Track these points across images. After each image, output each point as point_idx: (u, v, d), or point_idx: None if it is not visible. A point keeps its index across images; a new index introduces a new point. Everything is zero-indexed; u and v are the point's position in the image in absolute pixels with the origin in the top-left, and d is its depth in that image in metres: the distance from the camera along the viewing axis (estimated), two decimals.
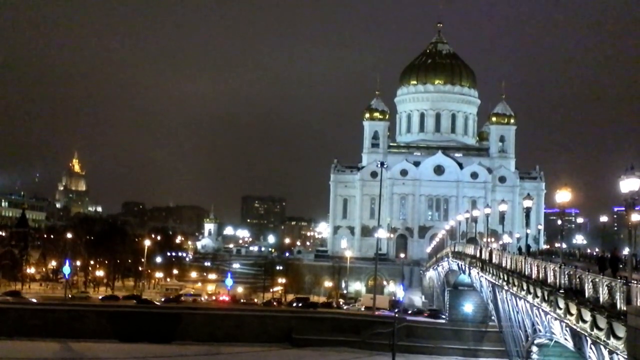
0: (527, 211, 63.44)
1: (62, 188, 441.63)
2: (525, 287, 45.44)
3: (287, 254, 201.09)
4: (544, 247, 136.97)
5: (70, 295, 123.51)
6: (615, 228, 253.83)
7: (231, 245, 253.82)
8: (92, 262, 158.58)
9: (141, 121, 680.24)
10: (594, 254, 66.78)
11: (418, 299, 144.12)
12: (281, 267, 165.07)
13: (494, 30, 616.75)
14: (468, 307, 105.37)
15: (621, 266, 38.32)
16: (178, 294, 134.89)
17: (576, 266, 38.58)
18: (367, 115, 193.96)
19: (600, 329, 29.94)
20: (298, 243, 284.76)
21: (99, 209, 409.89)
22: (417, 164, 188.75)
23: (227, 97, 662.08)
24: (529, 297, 44.12)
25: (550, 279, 39.40)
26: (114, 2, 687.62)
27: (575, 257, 67.59)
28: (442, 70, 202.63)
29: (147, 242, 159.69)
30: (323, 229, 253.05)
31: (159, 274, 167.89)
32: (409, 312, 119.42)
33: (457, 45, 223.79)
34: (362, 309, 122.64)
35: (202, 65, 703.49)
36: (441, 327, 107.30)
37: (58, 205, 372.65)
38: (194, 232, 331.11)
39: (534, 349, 49.46)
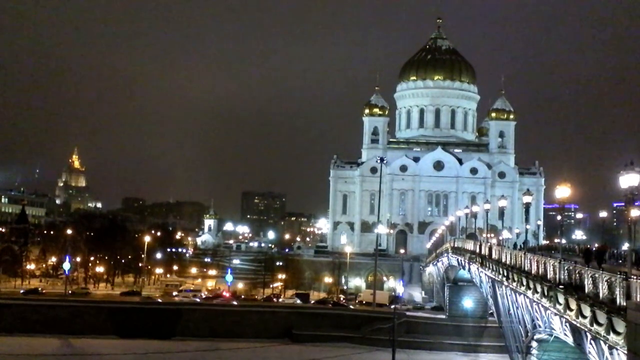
0: (527, 207, 63.71)
1: (62, 184, 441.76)
2: (525, 283, 45.46)
3: (287, 250, 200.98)
4: (544, 242, 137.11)
5: (70, 292, 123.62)
6: (615, 223, 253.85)
7: (231, 241, 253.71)
8: (92, 258, 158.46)
9: (141, 117, 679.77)
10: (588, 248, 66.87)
11: (418, 295, 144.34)
12: (281, 263, 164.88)
13: (494, 26, 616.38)
14: (468, 302, 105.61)
15: (618, 261, 38.38)
16: (178, 290, 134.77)
17: (576, 262, 38.58)
18: (367, 111, 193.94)
19: (600, 325, 29.96)
20: (298, 239, 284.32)
21: (99, 205, 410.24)
22: (416, 159, 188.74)
23: (227, 93, 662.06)
24: (529, 293, 44.13)
25: (550, 275, 39.40)
26: (115, 0, 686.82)
27: (575, 253, 67.61)
28: (442, 66, 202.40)
29: (147, 238, 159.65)
30: (323, 225, 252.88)
31: (159, 270, 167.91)
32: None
33: (456, 41, 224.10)
34: None
35: (201, 61, 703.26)
36: (441, 323, 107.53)
37: (58, 202, 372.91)
38: (194, 228, 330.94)
39: (534, 344, 49.50)
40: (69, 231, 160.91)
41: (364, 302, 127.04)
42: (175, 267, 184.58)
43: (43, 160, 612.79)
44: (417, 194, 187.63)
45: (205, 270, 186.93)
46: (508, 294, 55.01)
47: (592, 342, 31.91)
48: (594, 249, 44.02)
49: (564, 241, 76.98)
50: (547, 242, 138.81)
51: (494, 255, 61.27)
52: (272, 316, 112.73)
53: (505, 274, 53.63)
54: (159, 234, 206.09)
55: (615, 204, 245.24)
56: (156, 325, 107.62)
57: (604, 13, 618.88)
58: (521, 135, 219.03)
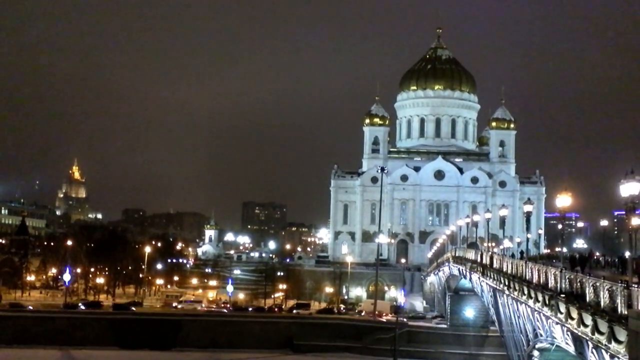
0: (528, 216, 63.34)
1: (62, 195, 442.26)
2: (526, 292, 45.36)
3: (287, 260, 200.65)
4: (545, 251, 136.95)
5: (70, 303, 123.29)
6: (616, 232, 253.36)
7: (232, 252, 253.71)
8: (92, 270, 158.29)
9: (141, 128, 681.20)
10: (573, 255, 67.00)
11: (419, 304, 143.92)
12: (282, 273, 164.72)
13: (494, 35, 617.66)
14: (469, 312, 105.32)
15: (619, 269, 38.35)
16: (179, 300, 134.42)
17: (577, 270, 38.57)
18: (367, 120, 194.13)
19: (601, 333, 29.87)
20: (299, 249, 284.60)
21: (99, 216, 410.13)
22: (417, 169, 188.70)
23: (228, 103, 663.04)
24: (530, 302, 44.04)
25: (551, 284, 39.35)
26: (113, 9, 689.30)
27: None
28: (442, 76, 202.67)
29: (148, 249, 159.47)
30: (324, 235, 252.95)
31: (159, 281, 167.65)
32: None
33: (456, 51, 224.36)
34: None
35: (202, 71, 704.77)
36: (443, 332, 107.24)
37: (58, 213, 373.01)
38: (194, 239, 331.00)
39: (535, 353, 49.37)
40: (69, 242, 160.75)
41: (364, 312, 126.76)
42: (175, 278, 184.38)
43: (43, 172, 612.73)
44: (418, 203, 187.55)
45: (206, 280, 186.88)
46: (509, 303, 54.89)
47: (594, 350, 31.79)
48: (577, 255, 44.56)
49: (565, 250, 76.85)
50: (548, 251, 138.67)
51: (495, 265, 61.17)
52: (273, 326, 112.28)
53: (507, 283, 53.54)
54: (159, 244, 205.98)
55: (616, 213, 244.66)
56: (157, 335, 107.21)
57: (604, 22, 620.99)
58: (522, 145, 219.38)
